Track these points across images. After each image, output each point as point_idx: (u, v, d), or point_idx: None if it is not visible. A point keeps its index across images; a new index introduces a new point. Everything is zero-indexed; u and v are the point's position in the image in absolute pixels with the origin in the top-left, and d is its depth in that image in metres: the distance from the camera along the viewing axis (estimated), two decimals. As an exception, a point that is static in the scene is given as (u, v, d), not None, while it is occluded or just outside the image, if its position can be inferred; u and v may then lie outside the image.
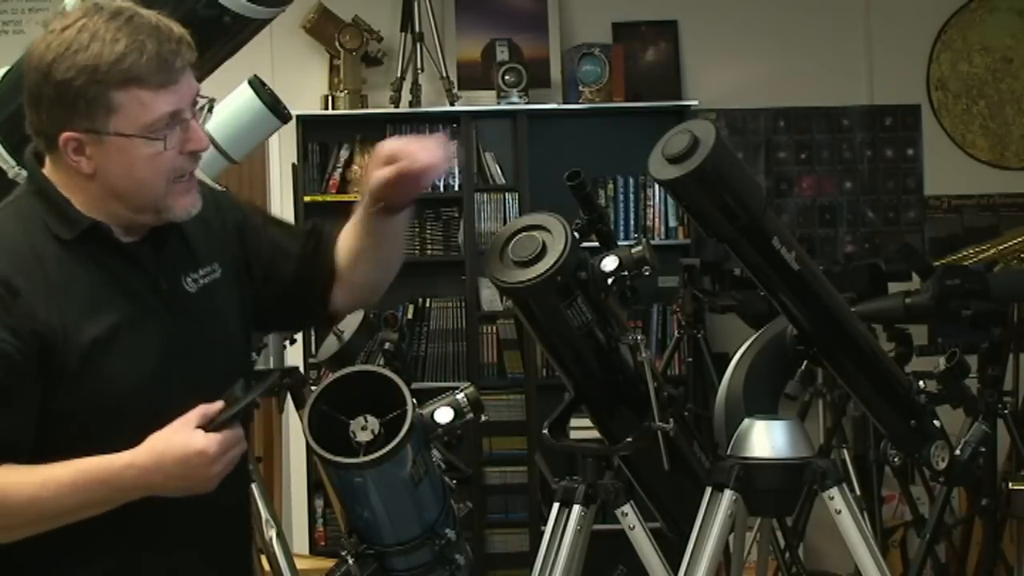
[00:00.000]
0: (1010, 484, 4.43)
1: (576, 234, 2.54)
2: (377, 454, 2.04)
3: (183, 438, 1.95)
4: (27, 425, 1.99)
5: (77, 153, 2.01)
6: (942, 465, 2.90)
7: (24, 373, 1.97)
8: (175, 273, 2.12)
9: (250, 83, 3.21)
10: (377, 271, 2.33)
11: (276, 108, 3.17)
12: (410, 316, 6.19)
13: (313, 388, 2.15)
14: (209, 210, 2.18)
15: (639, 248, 2.56)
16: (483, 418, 2.21)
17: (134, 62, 1.96)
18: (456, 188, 6.23)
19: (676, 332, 5.64)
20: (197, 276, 2.14)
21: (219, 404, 1.98)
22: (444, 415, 2.17)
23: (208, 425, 1.95)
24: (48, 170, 2.08)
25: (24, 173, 2.55)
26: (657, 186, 6.06)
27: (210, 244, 2.20)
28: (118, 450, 1.98)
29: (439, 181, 6.22)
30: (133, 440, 1.99)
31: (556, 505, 2.81)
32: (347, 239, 2.30)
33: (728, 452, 2.77)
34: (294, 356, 4.88)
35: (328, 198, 6.18)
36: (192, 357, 2.09)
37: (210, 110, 2.09)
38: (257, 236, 2.28)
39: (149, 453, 1.96)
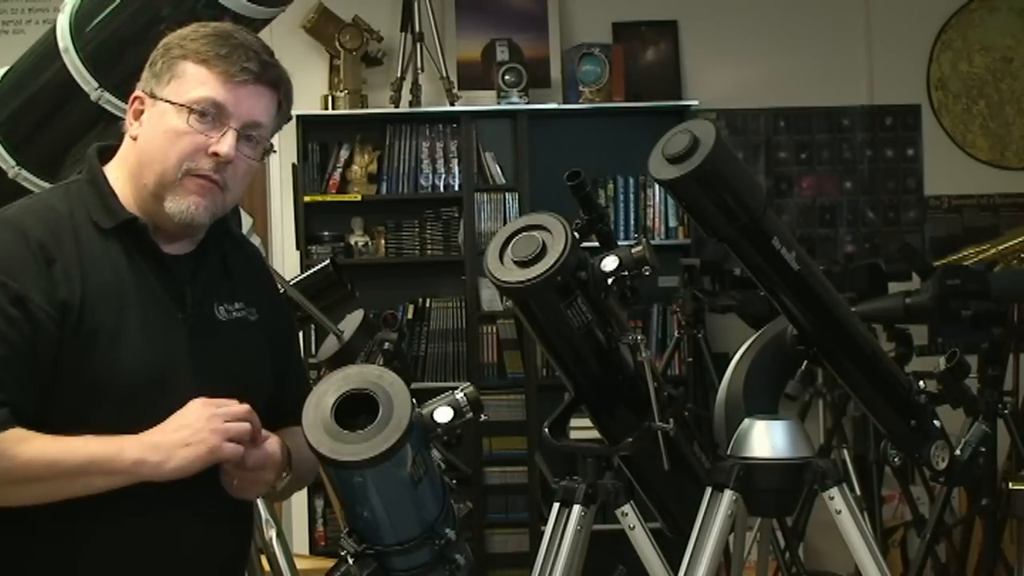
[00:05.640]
0: (1010, 484, 4.43)
1: (576, 234, 2.53)
2: (376, 453, 2.04)
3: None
4: (39, 394, 2.03)
5: (136, 116, 2.14)
6: (942, 465, 2.90)
7: (51, 342, 2.02)
8: (208, 296, 2.17)
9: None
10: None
11: (276, 108, 3.16)
12: (410, 316, 6.19)
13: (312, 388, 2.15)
14: (261, 274, 2.34)
15: (639, 248, 2.55)
16: (483, 418, 2.21)
17: (213, 43, 2.10)
18: (456, 188, 6.23)
19: (676, 332, 5.64)
20: (231, 308, 2.19)
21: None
22: (444, 415, 2.16)
23: None
24: (112, 163, 2.17)
25: (24, 173, 2.58)
26: (657, 186, 6.06)
27: (253, 289, 2.26)
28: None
29: (439, 181, 6.23)
30: (115, 434, 2.02)
31: (556, 505, 2.81)
32: None
33: (728, 452, 2.77)
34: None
35: (328, 198, 6.18)
36: (205, 376, 2.12)
37: (265, 154, 2.18)
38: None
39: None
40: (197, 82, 2.09)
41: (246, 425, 2.06)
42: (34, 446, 1.99)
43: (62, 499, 2.02)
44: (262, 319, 2.25)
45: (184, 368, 2.10)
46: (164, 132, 2.09)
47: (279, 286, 3.63)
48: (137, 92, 2.14)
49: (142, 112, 2.13)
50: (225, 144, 2.09)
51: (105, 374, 2.04)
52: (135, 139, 2.13)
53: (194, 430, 2.02)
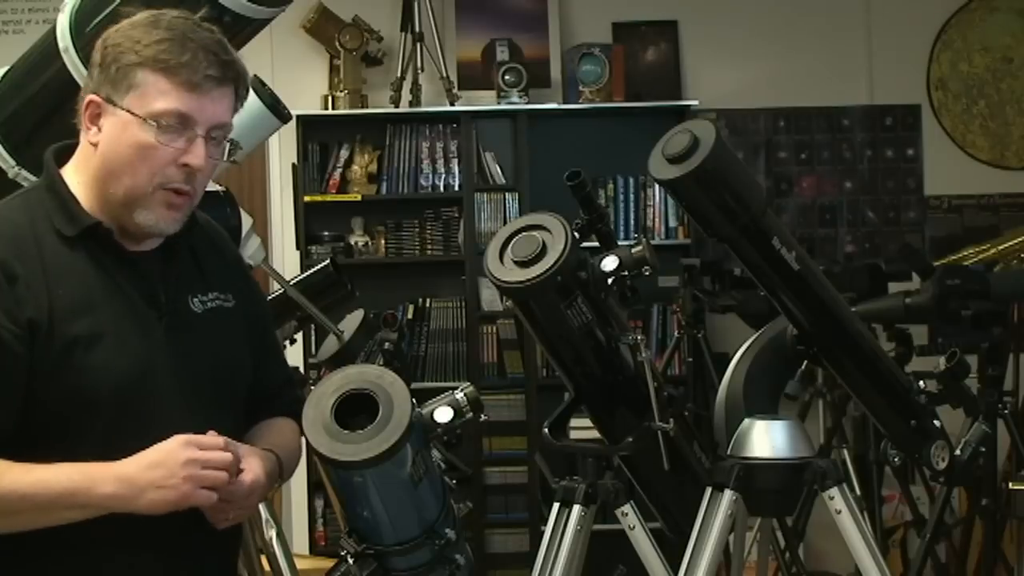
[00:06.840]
0: (1010, 484, 4.43)
1: (576, 234, 2.53)
2: (376, 453, 2.04)
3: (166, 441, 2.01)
4: (13, 413, 2.00)
5: (92, 120, 2.07)
6: (942, 465, 2.89)
7: (17, 360, 1.98)
8: (180, 290, 2.14)
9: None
10: None
11: (276, 108, 3.17)
12: (410, 316, 6.20)
13: (312, 388, 2.15)
14: (230, 256, 2.28)
15: (639, 248, 2.55)
16: (483, 418, 2.21)
17: (170, 49, 2.03)
18: (456, 188, 6.23)
19: (676, 332, 5.64)
20: (205, 299, 2.16)
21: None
22: (444, 415, 2.17)
23: None
24: (70, 166, 2.12)
25: (24, 173, 2.56)
26: (657, 186, 6.06)
27: (225, 274, 2.23)
28: (88, 450, 1.99)
29: (439, 181, 6.24)
30: (106, 442, 2.00)
31: (556, 505, 2.81)
32: None
33: (728, 452, 2.77)
34: (294, 356, 4.88)
35: (328, 198, 6.19)
36: (187, 372, 2.10)
37: (231, 152, 2.12)
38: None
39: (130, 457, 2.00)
40: (159, 92, 2.03)
41: (223, 474, 2.01)
42: (4, 479, 1.96)
43: (34, 529, 1.99)
44: (238, 303, 2.22)
45: (165, 367, 2.07)
46: (130, 146, 2.04)
47: (280, 286, 3.64)
48: (91, 96, 2.06)
49: (99, 115, 2.07)
50: (197, 156, 2.05)
51: (88, 384, 2.01)
52: (95, 145, 2.07)
53: (169, 472, 1.98)
